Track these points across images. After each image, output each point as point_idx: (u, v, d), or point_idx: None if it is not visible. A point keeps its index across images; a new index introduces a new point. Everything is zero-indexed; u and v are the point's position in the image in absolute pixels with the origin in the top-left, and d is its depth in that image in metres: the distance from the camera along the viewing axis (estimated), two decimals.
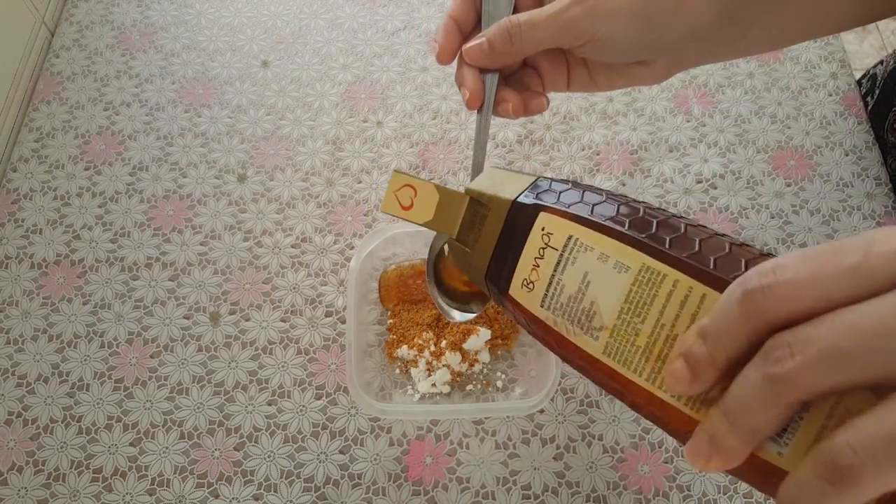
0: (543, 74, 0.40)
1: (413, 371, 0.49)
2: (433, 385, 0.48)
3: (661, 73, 0.38)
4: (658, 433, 0.47)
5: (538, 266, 0.27)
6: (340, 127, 0.59)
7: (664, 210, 0.27)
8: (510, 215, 0.29)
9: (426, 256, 0.53)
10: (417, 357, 0.49)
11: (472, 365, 0.49)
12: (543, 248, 0.27)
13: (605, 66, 0.38)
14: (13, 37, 0.60)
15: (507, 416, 0.48)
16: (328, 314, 0.52)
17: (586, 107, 0.60)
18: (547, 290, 0.27)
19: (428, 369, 0.48)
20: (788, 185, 0.56)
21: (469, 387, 0.49)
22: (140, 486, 0.46)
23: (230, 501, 0.46)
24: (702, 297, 0.23)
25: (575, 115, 0.59)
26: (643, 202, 0.28)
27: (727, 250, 0.24)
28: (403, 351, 0.49)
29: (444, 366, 0.48)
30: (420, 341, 0.49)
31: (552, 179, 0.31)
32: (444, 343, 0.49)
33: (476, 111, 0.38)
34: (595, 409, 0.48)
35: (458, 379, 0.49)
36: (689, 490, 0.46)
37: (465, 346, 0.48)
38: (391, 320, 0.51)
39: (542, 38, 0.35)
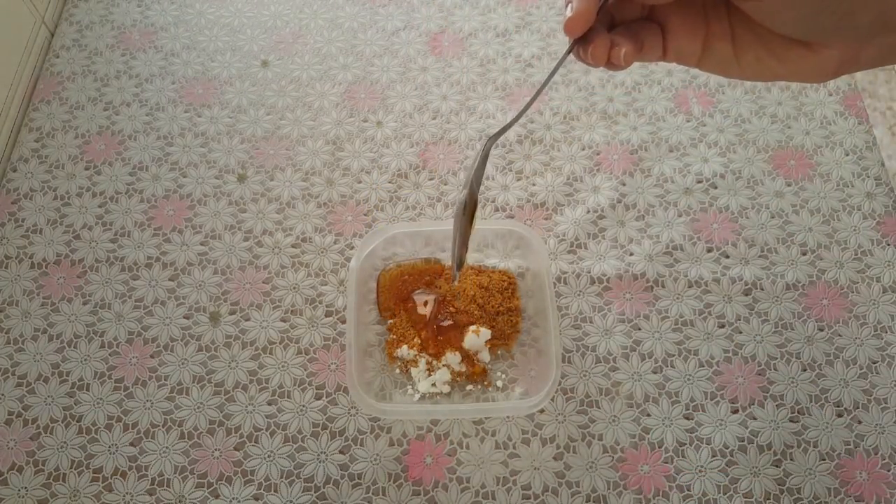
0: (670, 34, 0.32)
1: (413, 371, 0.49)
2: (433, 385, 0.48)
3: (826, 69, 0.30)
4: (658, 433, 0.47)
5: None
6: (340, 127, 0.59)
7: None
8: None
9: (427, 256, 0.53)
10: (417, 357, 0.49)
11: (472, 365, 0.49)
12: None
13: (759, 41, 0.30)
14: (13, 37, 0.60)
15: (507, 416, 0.48)
16: (328, 314, 0.52)
17: (586, 107, 0.60)
18: None
19: (428, 369, 0.48)
20: (788, 185, 0.56)
21: (469, 387, 0.49)
22: (140, 486, 0.46)
23: (230, 501, 0.46)
24: None
25: (575, 115, 0.59)
26: None
27: None
28: (403, 351, 0.49)
29: (444, 365, 0.48)
30: (419, 341, 0.49)
31: None
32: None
33: (572, 40, 0.31)
34: (595, 409, 0.48)
35: (458, 379, 0.49)
36: (688, 490, 0.46)
37: (465, 345, 0.48)
38: (391, 320, 0.51)
39: None
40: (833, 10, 0.27)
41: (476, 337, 0.48)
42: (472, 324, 0.49)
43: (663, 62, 0.33)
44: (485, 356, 0.49)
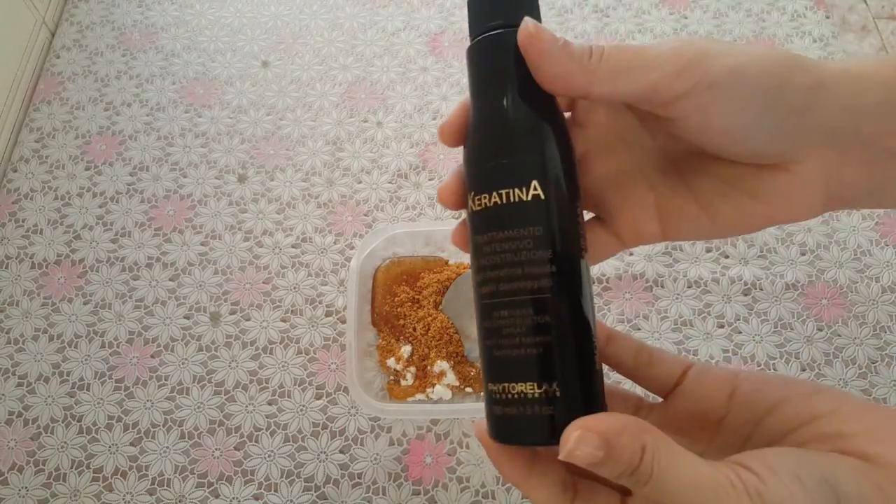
0: (614, 218, 0.27)
1: (403, 382, 0.48)
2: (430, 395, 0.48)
3: (809, 192, 0.24)
4: None
5: None
6: (340, 127, 0.60)
7: None
8: None
9: (426, 254, 0.53)
10: (405, 370, 0.48)
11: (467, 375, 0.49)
12: None
13: (723, 181, 0.25)
14: (13, 37, 0.60)
15: None
16: (328, 314, 0.52)
17: None
18: None
19: (418, 380, 0.48)
20: None
21: (469, 388, 0.49)
22: (140, 486, 0.46)
23: (230, 501, 0.46)
24: None
25: None
26: None
27: None
28: (391, 362, 0.49)
29: (440, 385, 0.48)
30: (405, 355, 0.49)
31: None
32: (432, 353, 0.49)
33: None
34: None
35: (457, 391, 0.49)
36: None
37: (433, 397, 0.48)
38: (380, 336, 0.50)
39: (628, 69, 0.23)
40: (794, 111, 0.22)
41: (442, 388, 0.48)
42: (438, 361, 0.48)
43: (623, 250, 0.28)
44: None
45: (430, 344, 0.48)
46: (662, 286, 0.52)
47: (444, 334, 0.48)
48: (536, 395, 0.23)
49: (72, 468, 0.47)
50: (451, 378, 0.48)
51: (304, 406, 0.49)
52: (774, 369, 0.49)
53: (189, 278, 0.53)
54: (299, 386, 0.49)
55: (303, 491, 0.46)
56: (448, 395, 0.48)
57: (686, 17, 0.64)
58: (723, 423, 0.25)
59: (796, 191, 0.24)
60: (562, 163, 0.25)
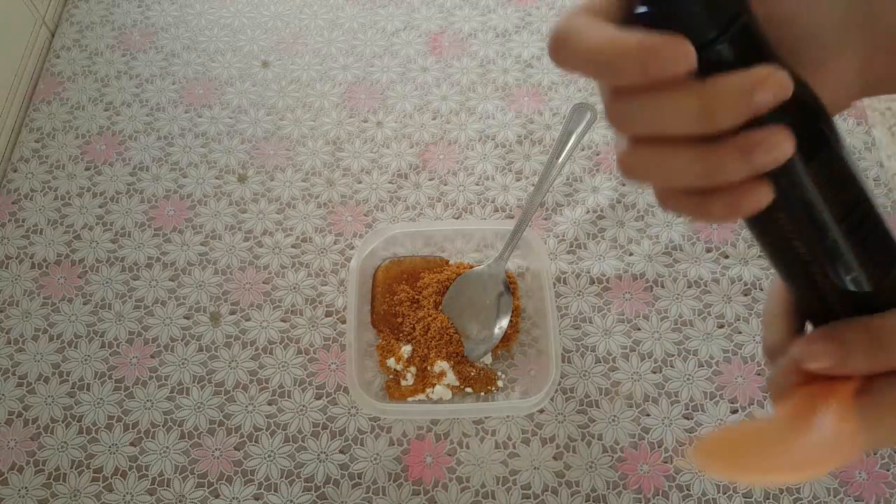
0: None
1: (403, 382, 0.48)
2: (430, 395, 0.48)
3: (841, 85, 0.24)
4: (657, 433, 0.47)
5: None
6: (340, 127, 0.60)
7: None
8: None
9: (426, 254, 0.53)
10: (405, 370, 0.48)
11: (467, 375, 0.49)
12: None
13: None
14: (13, 37, 0.60)
15: (507, 416, 0.48)
16: (328, 314, 0.52)
17: None
18: None
19: (420, 380, 0.48)
20: None
21: (469, 388, 0.49)
22: (140, 486, 0.46)
23: (230, 501, 0.46)
24: None
25: None
26: None
27: None
28: (391, 362, 0.49)
29: (440, 385, 0.48)
30: (406, 355, 0.49)
31: None
32: (432, 353, 0.49)
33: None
34: (595, 409, 0.48)
35: (458, 392, 0.48)
36: (688, 490, 0.46)
37: (434, 397, 0.48)
38: (380, 336, 0.50)
39: None
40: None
41: (442, 388, 0.48)
42: (439, 361, 0.48)
43: None
44: (486, 357, 0.49)
45: (430, 344, 0.48)
46: (662, 286, 0.52)
47: (444, 334, 0.48)
48: None
49: (72, 468, 0.47)
50: (451, 378, 0.48)
51: (304, 406, 0.49)
52: None
53: (189, 278, 0.53)
54: (299, 386, 0.49)
55: (303, 491, 0.46)
56: (448, 395, 0.48)
57: None
58: None
59: (828, 81, 0.23)
60: None
